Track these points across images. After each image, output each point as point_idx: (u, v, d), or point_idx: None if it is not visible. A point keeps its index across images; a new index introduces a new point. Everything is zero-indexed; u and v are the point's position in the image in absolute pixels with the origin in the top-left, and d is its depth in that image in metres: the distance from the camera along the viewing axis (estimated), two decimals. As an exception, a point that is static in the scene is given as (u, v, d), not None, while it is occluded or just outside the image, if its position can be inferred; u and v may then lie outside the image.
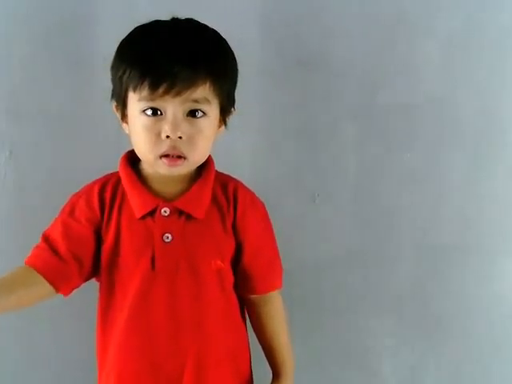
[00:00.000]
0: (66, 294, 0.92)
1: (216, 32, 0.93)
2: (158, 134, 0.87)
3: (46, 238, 0.93)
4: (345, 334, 1.32)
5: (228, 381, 0.99)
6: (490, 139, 1.28)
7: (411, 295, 1.32)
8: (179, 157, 0.89)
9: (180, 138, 0.87)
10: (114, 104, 0.95)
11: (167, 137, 0.87)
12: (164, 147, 0.88)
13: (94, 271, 0.96)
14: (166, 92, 0.85)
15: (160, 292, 0.93)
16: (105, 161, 1.18)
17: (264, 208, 1.02)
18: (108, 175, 0.99)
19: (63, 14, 1.17)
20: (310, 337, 1.30)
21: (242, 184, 1.01)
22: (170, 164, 0.89)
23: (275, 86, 1.22)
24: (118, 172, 0.98)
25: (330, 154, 1.27)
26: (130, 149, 0.98)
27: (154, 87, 0.85)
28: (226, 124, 0.96)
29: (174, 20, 0.92)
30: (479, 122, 1.27)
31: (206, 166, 0.97)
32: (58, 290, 0.91)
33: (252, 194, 1.01)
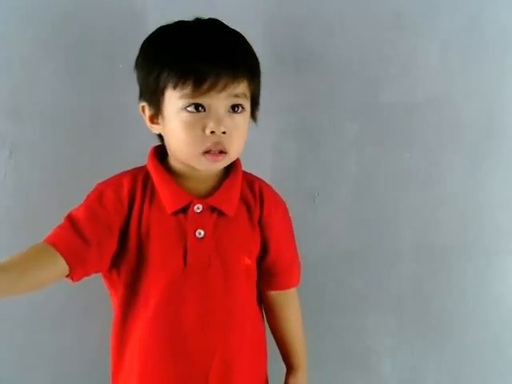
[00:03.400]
0: (76, 278, 0.90)
1: (239, 32, 0.94)
2: (202, 130, 0.88)
3: (71, 219, 0.92)
4: (345, 334, 1.32)
5: (250, 376, 1.00)
6: (489, 139, 1.28)
7: (411, 295, 1.32)
8: (220, 152, 0.90)
9: (224, 133, 0.89)
10: (142, 104, 0.95)
11: (212, 132, 0.88)
12: (208, 143, 0.89)
13: (110, 264, 0.94)
14: (212, 87, 0.86)
15: (191, 288, 0.94)
16: (105, 161, 1.18)
17: (285, 206, 1.05)
18: (136, 169, 0.99)
19: (63, 13, 1.16)
20: (309, 336, 1.29)
21: (265, 183, 1.03)
22: (213, 159, 0.90)
23: (275, 86, 1.22)
24: (145, 166, 0.98)
25: (330, 153, 1.27)
26: (151, 145, 0.99)
27: (198, 83, 0.86)
28: (255, 120, 0.98)
29: (200, 20, 0.93)
30: (479, 122, 1.27)
31: (233, 164, 0.98)
32: (72, 270, 0.88)
33: (275, 193, 1.04)
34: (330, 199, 1.28)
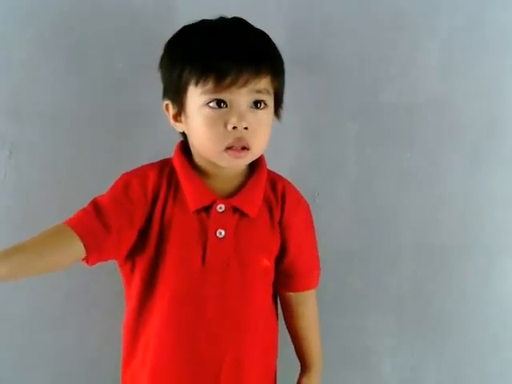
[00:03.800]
0: (91, 262, 0.90)
1: (263, 31, 0.94)
2: (224, 126, 0.88)
3: (95, 204, 0.92)
4: (345, 334, 1.32)
5: (260, 375, 1.01)
6: (489, 139, 1.28)
7: (411, 295, 1.32)
8: (243, 148, 0.90)
9: (246, 128, 0.88)
10: (165, 103, 0.95)
11: (234, 128, 0.88)
12: (229, 139, 0.89)
13: (126, 254, 0.94)
14: (233, 82, 0.86)
15: (208, 287, 0.94)
16: (105, 161, 1.18)
17: (308, 208, 1.05)
18: (162, 162, 0.99)
19: (63, 14, 1.16)
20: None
21: (289, 183, 1.03)
22: (235, 155, 0.90)
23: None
24: (169, 160, 0.98)
25: (331, 153, 1.27)
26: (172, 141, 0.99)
27: (220, 79, 0.86)
28: (278, 117, 0.98)
29: (223, 18, 0.93)
30: (479, 122, 1.27)
31: (258, 163, 0.98)
32: (88, 253, 0.88)
33: (298, 194, 1.03)
34: (330, 199, 1.28)
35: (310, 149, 1.26)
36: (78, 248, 0.87)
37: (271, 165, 1.24)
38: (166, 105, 0.95)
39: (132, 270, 0.97)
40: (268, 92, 0.91)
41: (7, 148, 1.18)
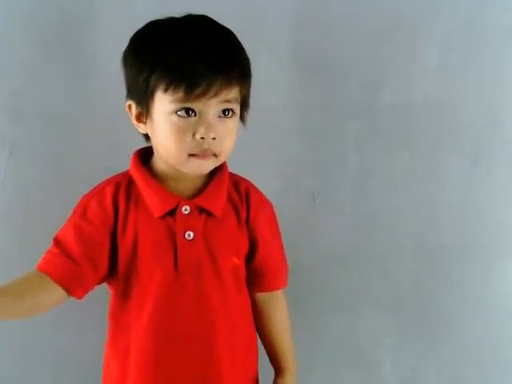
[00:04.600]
0: (80, 297, 0.91)
1: (231, 30, 0.92)
2: (192, 135, 0.87)
3: (58, 242, 0.92)
4: (344, 334, 1.32)
5: (242, 376, 1.00)
6: (489, 139, 1.28)
7: (411, 295, 1.32)
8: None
9: (213, 138, 0.88)
10: (128, 103, 0.93)
11: (202, 138, 0.87)
12: (196, 148, 0.88)
13: (109, 274, 0.94)
14: (204, 93, 0.85)
15: (184, 290, 0.93)
16: (105, 161, 1.18)
17: (271, 207, 1.04)
18: (119, 175, 0.97)
19: (63, 14, 1.17)
20: (309, 336, 1.30)
21: (251, 183, 1.02)
22: (201, 159, 0.89)
23: (275, 86, 1.22)
24: (128, 171, 0.97)
25: (331, 153, 1.27)
26: (136, 148, 0.98)
27: (190, 89, 0.84)
28: (244, 122, 0.97)
29: (191, 17, 0.91)
30: (479, 123, 1.27)
31: (219, 165, 0.97)
32: (72, 294, 0.90)
33: (261, 194, 1.02)
34: (330, 199, 1.28)
35: (310, 149, 1.27)
36: (59, 292, 0.89)
37: (271, 165, 1.24)
38: (129, 105, 0.93)
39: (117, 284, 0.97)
40: (237, 100, 0.90)
41: (7, 148, 1.18)
